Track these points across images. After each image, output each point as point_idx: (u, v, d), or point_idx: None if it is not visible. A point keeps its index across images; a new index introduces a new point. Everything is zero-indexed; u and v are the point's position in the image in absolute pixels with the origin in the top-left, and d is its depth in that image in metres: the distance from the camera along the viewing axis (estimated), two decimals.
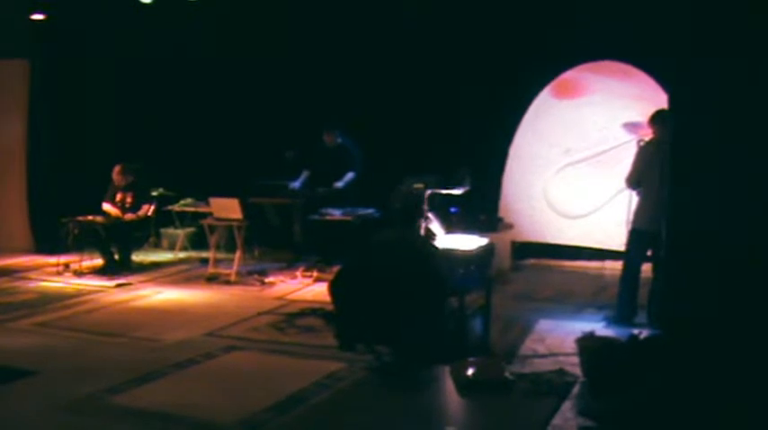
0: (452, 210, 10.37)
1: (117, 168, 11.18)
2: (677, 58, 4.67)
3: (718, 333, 4.59)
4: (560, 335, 7.81)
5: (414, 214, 7.09)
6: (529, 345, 7.57)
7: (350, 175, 11.21)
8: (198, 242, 12.48)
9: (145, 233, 12.35)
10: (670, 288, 4.78)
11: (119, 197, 11.22)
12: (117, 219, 10.98)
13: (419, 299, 6.63)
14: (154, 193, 11.71)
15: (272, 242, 12.04)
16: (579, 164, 11.29)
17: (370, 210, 10.71)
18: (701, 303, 4.60)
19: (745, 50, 4.46)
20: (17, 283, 10.21)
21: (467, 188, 10.32)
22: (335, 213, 10.53)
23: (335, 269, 8.90)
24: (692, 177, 4.57)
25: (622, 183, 8.88)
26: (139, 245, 12.21)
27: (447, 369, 6.54)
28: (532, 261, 11.70)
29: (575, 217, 11.33)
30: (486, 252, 7.74)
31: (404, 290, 6.60)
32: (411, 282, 6.64)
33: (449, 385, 6.37)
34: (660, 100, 9.21)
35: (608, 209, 10.92)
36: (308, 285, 10.26)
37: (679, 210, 4.63)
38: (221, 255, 11.22)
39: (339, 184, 11.17)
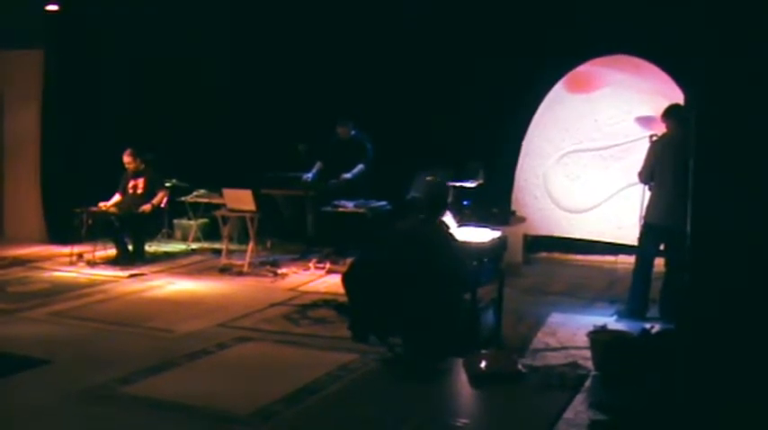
0: (465, 202, 10.40)
1: (127, 151, 11.18)
2: (697, 53, 4.64)
3: (735, 329, 4.59)
4: (572, 329, 7.82)
5: (439, 205, 7.08)
6: (541, 339, 7.58)
7: (359, 167, 11.22)
8: (211, 233, 12.50)
9: (158, 224, 12.38)
10: (690, 284, 4.76)
11: (131, 184, 11.24)
12: (130, 209, 11.00)
13: (435, 291, 6.64)
14: (167, 184, 11.72)
15: (284, 233, 12.06)
16: (581, 153, 11.23)
17: (383, 203, 10.73)
18: (719, 300, 4.59)
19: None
20: (30, 273, 10.26)
21: (479, 181, 10.35)
22: (348, 205, 10.54)
23: (348, 261, 8.96)
24: (713, 175, 4.54)
25: (629, 178, 8.86)
26: (152, 235, 12.23)
27: (460, 361, 6.55)
28: (545, 254, 11.70)
29: (575, 210, 11.30)
30: (499, 245, 7.74)
31: (420, 282, 6.61)
32: (429, 274, 6.66)
33: (461, 377, 6.38)
34: (673, 95, 9.22)
35: (619, 203, 10.89)
36: (320, 277, 10.28)
37: (701, 208, 4.60)
38: (234, 247, 11.26)
39: (347, 175, 11.20)
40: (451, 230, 7.07)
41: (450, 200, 7.18)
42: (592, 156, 11.19)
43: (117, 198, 11.17)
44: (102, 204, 10.93)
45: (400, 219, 7.49)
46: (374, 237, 9.35)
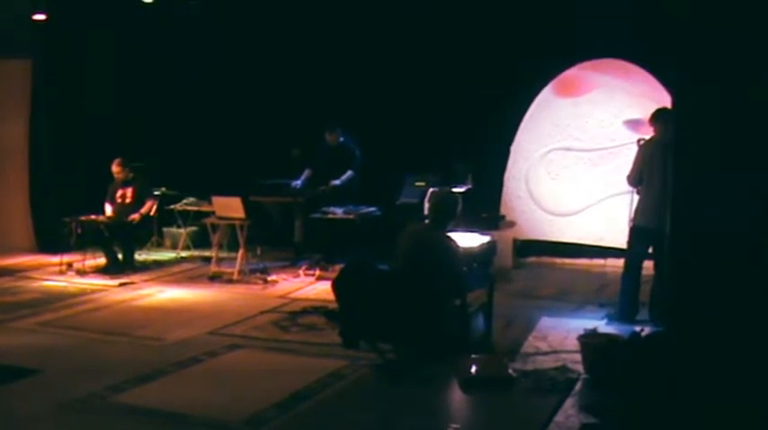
0: None
1: (116, 161, 11.20)
2: (678, 56, 4.68)
3: (721, 331, 4.61)
4: (562, 333, 7.83)
5: (447, 214, 7.13)
6: (531, 343, 7.59)
7: (348, 173, 11.24)
8: (200, 241, 12.49)
9: (147, 232, 12.36)
10: (673, 286, 4.78)
11: (119, 193, 11.23)
12: (120, 218, 10.98)
13: (427, 296, 6.66)
14: (156, 193, 11.72)
15: (274, 241, 12.03)
16: (565, 152, 11.23)
17: (372, 209, 10.74)
18: (703, 302, 4.61)
19: (747, 49, 4.46)
20: (20, 283, 10.22)
21: (468, 186, 10.36)
22: (337, 212, 10.54)
23: (338, 267, 8.95)
24: (694, 176, 4.57)
25: (615, 182, 8.85)
26: (142, 244, 12.22)
27: (450, 366, 6.55)
28: (534, 259, 11.71)
29: (557, 213, 11.32)
30: (489, 250, 7.76)
31: (414, 286, 6.63)
32: (426, 278, 6.68)
33: (452, 382, 6.39)
34: (661, 98, 9.24)
35: (605, 207, 10.90)
36: (310, 283, 10.28)
37: (681, 209, 4.63)
38: (224, 254, 11.23)
39: (336, 182, 11.22)
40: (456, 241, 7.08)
41: (459, 210, 7.23)
42: (576, 158, 11.21)
43: (109, 211, 11.16)
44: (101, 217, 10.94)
45: (408, 223, 7.52)
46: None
